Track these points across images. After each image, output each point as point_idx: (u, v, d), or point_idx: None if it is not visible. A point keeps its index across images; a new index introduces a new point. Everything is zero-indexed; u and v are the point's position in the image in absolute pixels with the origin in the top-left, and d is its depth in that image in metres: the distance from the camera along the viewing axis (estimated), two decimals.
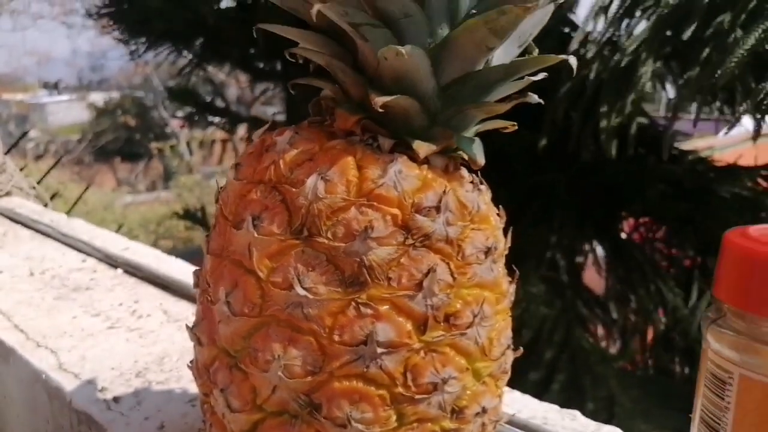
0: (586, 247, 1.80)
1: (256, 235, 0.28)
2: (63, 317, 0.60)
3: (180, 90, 2.62)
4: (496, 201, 0.32)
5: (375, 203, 0.27)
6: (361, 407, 0.27)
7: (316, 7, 0.25)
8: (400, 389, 0.27)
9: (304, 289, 0.27)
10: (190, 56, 2.18)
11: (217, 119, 2.53)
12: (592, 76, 0.99)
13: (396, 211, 0.27)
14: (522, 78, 0.30)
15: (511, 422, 0.42)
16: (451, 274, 0.28)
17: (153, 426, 0.42)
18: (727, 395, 0.24)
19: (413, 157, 0.29)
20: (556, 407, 0.46)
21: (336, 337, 0.27)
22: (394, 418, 0.27)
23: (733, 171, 1.85)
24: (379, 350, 0.26)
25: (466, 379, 0.29)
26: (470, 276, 0.28)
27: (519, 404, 0.46)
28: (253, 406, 0.28)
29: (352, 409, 0.27)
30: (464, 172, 0.32)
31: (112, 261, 0.75)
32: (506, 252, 0.34)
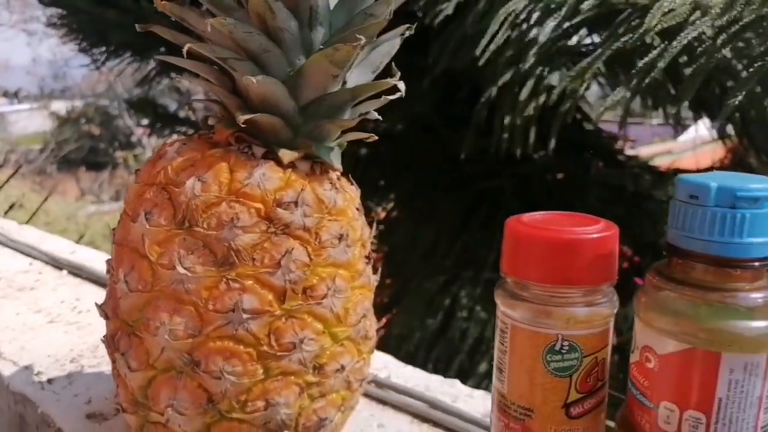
0: None
1: (147, 226, 0.34)
2: (6, 314, 0.65)
3: (140, 101, 2.64)
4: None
5: (242, 199, 0.34)
6: (232, 362, 0.34)
7: (187, 46, 0.32)
8: (265, 348, 0.34)
9: (185, 268, 0.33)
10: (152, 65, 2.21)
11: (184, 128, 2.55)
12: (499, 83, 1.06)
13: (259, 205, 0.34)
14: (380, 97, 0.38)
15: (396, 388, 0.49)
16: (308, 256, 0.35)
17: (81, 401, 0.48)
18: (505, 342, 0.31)
19: (280, 162, 0.36)
20: (440, 378, 0.53)
21: (210, 306, 0.33)
22: (261, 371, 0.34)
23: (669, 176, 1.97)
24: (245, 316, 0.33)
25: (324, 340, 0.36)
26: (325, 257, 0.36)
27: (409, 376, 0.53)
28: (147, 365, 0.35)
29: (224, 364, 0.33)
30: (332, 174, 0.39)
31: (58, 264, 0.80)
32: (370, 240, 0.41)
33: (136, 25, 0.35)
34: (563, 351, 0.30)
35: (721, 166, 1.87)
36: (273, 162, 0.36)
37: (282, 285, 0.34)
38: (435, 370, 0.54)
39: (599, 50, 0.89)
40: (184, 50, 0.32)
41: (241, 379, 0.34)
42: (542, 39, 0.99)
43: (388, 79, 0.36)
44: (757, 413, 0.26)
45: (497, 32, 0.95)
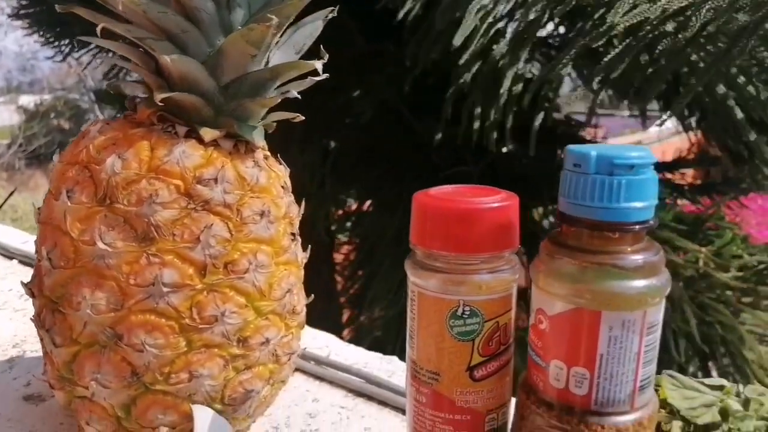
0: None
1: (69, 204, 0.35)
2: None
3: (107, 92, 2.60)
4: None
5: (161, 176, 0.35)
6: (154, 335, 0.35)
7: (100, 25, 0.33)
8: (186, 321, 0.35)
9: (106, 244, 0.34)
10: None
11: None
12: (469, 78, 1.08)
13: (179, 182, 0.35)
14: (305, 77, 0.39)
15: (334, 365, 0.51)
16: (229, 231, 0.36)
17: (20, 384, 0.49)
18: (413, 309, 0.33)
19: (202, 141, 0.37)
20: (380, 355, 0.54)
21: (132, 281, 0.34)
22: (183, 343, 0.35)
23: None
24: (166, 290, 0.34)
25: (247, 314, 0.37)
26: (246, 233, 0.37)
27: (349, 354, 0.54)
28: (71, 340, 0.35)
29: (147, 337, 0.34)
30: (258, 154, 0.40)
31: (9, 253, 0.79)
32: (299, 218, 0.42)
33: (56, 6, 0.36)
34: (465, 316, 0.31)
35: (683, 158, 1.92)
36: (195, 140, 0.37)
37: (202, 259, 0.35)
38: (402, 355, 0.55)
39: (570, 45, 0.91)
40: (98, 30, 0.33)
41: (163, 351, 0.35)
42: (511, 30, 1.01)
43: (305, 61, 0.37)
44: (636, 368, 0.28)
45: (473, 31, 0.96)
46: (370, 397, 0.47)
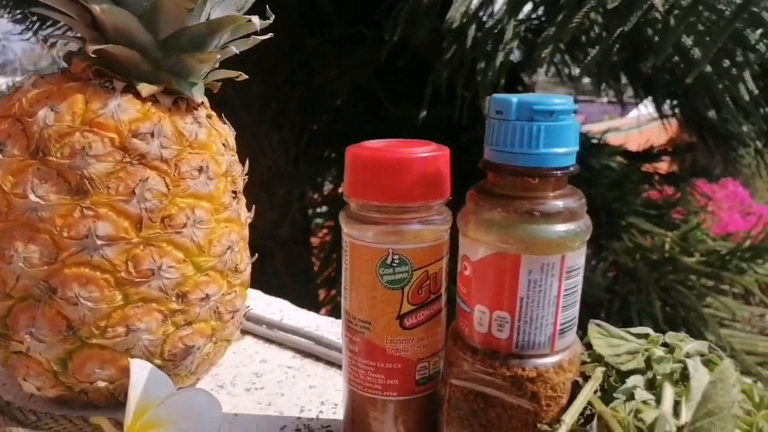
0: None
1: (1, 157, 0.34)
2: None
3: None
4: None
5: (95, 129, 0.34)
6: (89, 288, 0.34)
7: None
8: (122, 274, 0.35)
9: (38, 197, 0.34)
10: None
11: None
12: (468, 43, 1.05)
13: (113, 135, 0.35)
14: (248, 36, 0.39)
15: (285, 328, 0.51)
16: (166, 186, 0.36)
17: None
18: (347, 260, 0.33)
19: (140, 96, 0.36)
20: (331, 319, 0.55)
21: (65, 234, 0.34)
22: (119, 297, 0.35)
23: (602, 147, 2.04)
24: (100, 242, 0.34)
25: (186, 269, 0.37)
26: (184, 188, 0.36)
27: (301, 318, 0.55)
28: (5, 294, 0.35)
29: (81, 290, 0.34)
30: (200, 112, 0.40)
31: None
32: (242, 177, 0.42)
33: None
34: (394, 265, 0.31)
35: (662, 147, 1.96)
36: (132, 95, 0.36)
37: (138, 213, 0.35)
38: None
39: (552, 29, 0.90)
40: None
41: (98, 304, 0.35)
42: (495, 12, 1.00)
43: (241, 15, 0.37)
44: (555, 311, 0.29)
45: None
46: (317, 358, 0.47)
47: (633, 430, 0.27)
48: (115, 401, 0.38)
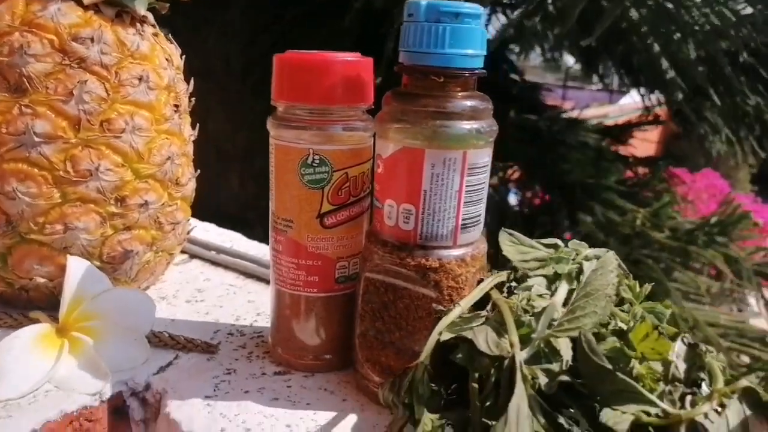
0: None
1: None
2: None
3: None
4: None
5: (34, 30, 0.36)
6: (27, 184, 0.36)
7: None
8: (60, 173, 0.36)
9: None
10: None
11: None
12: None
13: (53, 37, 0.36)
14: None
15: (231, 253, 0.53)
16: (106, 91, 0.37)
17: None
18: (272, 162, 0.35)
19: (82, 4, 0.38)
20: None
21: (3, 130, 0.35)
22: (57, 195, 0.37)
23: (579, 123, 2.07)
24: (37, 140, 0.36)
25: (124, 173, 0.39)
26: (124, 95, 0.38)
27: (251, 246, 0.56)
28: None
29: (19, 185, 0.36)
30: (146, 28, 0.41)
31: None
32: (186, 95, 0.43)
33: None
34: (315, 165, 0.33)
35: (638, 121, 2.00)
36: (74, 2, 0.38)
37: (76, 114, 0.36)
38: None
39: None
40: None
41: (36, 200, 0.36)
42: None
43: None
44: (457, 206, 0.31)
45: None
46: (260, 278, 0.49)
47: (521, 312, 0.29)
48: (55, 300, 0.40)
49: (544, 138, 1.98)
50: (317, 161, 0.33)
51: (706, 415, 0.25)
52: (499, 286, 0.32)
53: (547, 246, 0.36)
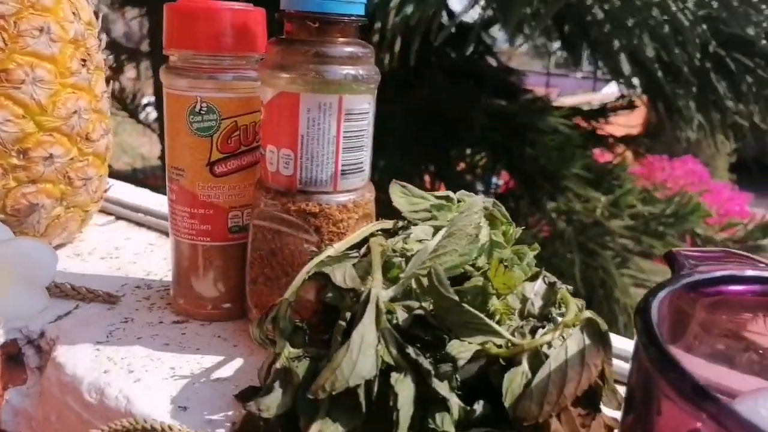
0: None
1: None
2: None
3: None
4: None
5: None
6: None
7: None
8: None
9: None
10: None
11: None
12: None
13: None
14: None
15: (155, 214, 0.53)
16: (3, 41, 0.37)
17: None
18: (165, 109, 0.35)
19: None
20: None
21: None
22: None
23: (550, 109, 2.08)
24: None
25: (26, 125, 0.39)
26: (23, 45, 0.38)
27: None
28: None
29: None
30: None
31: None
32: (98, 52, 0.43)
33: None
34: (202, 112, 0.34)
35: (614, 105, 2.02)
36: None
37: None
38: None
39: None
40: None
41: None
42: None
43: None
44: (335, 151, 0.31)
45: None
46: None
47: (390, 253, 0.29)
48: None
49: (513, 123, 1.99)
50: (204, 109, 0.34)
51: (549, 345, 0.26)
52: (387, 235, 0.33)
53: (438, 198, 0.36)
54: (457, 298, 0.26)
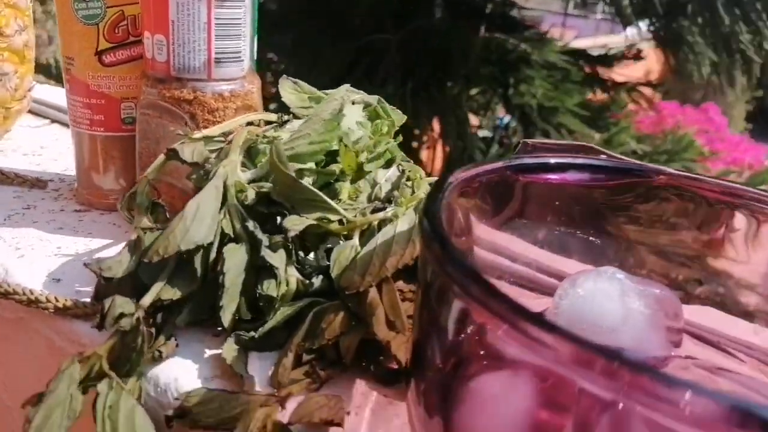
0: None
1: None
2: None
3: None
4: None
5: None
6: None
7: None
8: None
9: None
10: None
11: None
12: None
13: None
14: None
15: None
16: None
17: None
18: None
19: None
20: None
21: None
22: None
23: (547, 42, 2.03)
24: None
25: None
26: None
27: None
28: None
29: None
30: None
31: None
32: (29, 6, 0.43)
33: None
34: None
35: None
36: None
37: None
38: None
39: None
40: None
41: None
42: None
43: None
44: (207, 38, 0.32)
45: None
46: None
47: (261, 141, 0.30)
48: None
49: (510, 57, 1.94)
50: None
51: (381, 222, 0.27)
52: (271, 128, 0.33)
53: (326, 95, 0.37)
54: (294, 175, 0.26)
